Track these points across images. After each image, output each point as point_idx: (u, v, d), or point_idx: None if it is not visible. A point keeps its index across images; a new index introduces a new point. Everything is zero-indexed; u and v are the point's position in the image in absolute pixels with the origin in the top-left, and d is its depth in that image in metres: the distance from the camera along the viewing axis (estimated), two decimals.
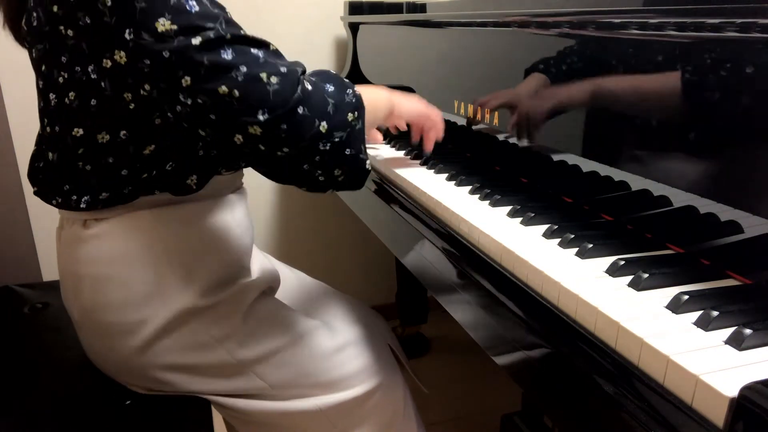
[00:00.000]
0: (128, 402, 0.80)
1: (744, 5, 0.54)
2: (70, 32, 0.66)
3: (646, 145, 0.68)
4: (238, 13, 0.79)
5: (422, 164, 1.02)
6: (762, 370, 0.43)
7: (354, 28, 1.57)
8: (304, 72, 0.70)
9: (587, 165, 0.76)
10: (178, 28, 0.61)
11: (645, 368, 0.47)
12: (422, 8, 1.47)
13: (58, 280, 1.08)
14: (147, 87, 0.67)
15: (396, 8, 1.60)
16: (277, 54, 0.68)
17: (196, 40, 0.61)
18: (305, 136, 0.67)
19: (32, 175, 0.78)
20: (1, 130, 1.45)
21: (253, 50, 0.65)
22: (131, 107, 0.69)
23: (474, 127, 1.02)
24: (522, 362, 0.61)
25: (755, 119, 0.54)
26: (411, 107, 0.92)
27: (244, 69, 0.63)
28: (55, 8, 0.65)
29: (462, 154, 1.08)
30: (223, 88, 0.62)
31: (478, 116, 0.99)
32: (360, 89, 0.77)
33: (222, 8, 0.66)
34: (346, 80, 0.74)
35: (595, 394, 0.50)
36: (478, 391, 1.65)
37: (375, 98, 0.84)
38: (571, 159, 0.79)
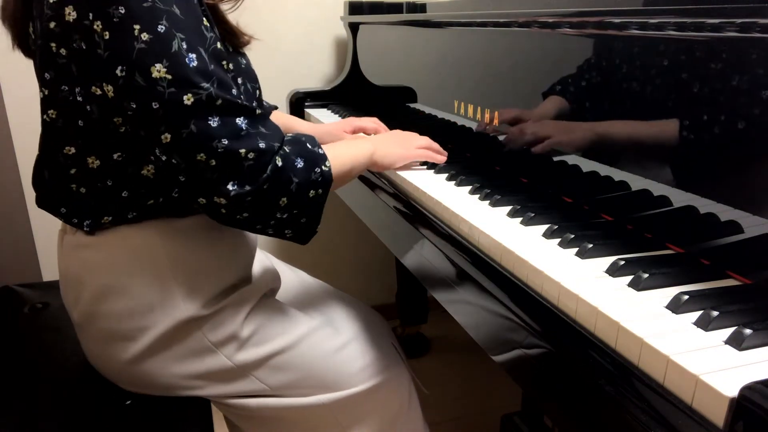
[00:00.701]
0: (128, 402, 0.80)
1: (744, 5, 0.54)
2: (62, 51, 0.65)
3: (646, 145, 0.68)
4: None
5: (422, 164, 1.01)
6: (762, 370, 0.43)
7: (354, 28, 1.57)
8: (281, 146, 0.69)
9: (587, 165, 0.76)
10: (172, 78, 0.60)
11: (645, 368, 0.47)
12: (422, 8, 1.47)
13: (58, 280, 1.08)
14: (128, 128, 0.67)
15: (396, 8, 1.60)
16: (259, 120, 0.68)
17: (187, 99, 0.61)
18: (266, 208, 0.68)
19: (35, 183, 0.78)
20: (1, 130, 1.45)
21: (238, 120, 0.65)
22: (121, 131, 0.68)
23: (474, 128, 1.02)
24: (522, 362, 0.61)
25: (755, 119, 0.54)
26: (394, 159, 0.93)
27: (225, 142, 0.63)
28: (52, 25, 0.64)
29: (462, 154, 1.08)
30: (201, 155, 0.63)
31: (479, 117, 0.99)
32: (337, 148, 0.78)
33: (219, 59, 0.65)
34: (320, 152, 0.74)
35: (595, 394, 0.50)
36: (478, 391, 1.65)
37: (353, 156, 0.83)
38: (571, 159, 0.79)
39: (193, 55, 0.62)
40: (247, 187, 0.65)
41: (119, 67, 0.61)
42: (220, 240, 0.80)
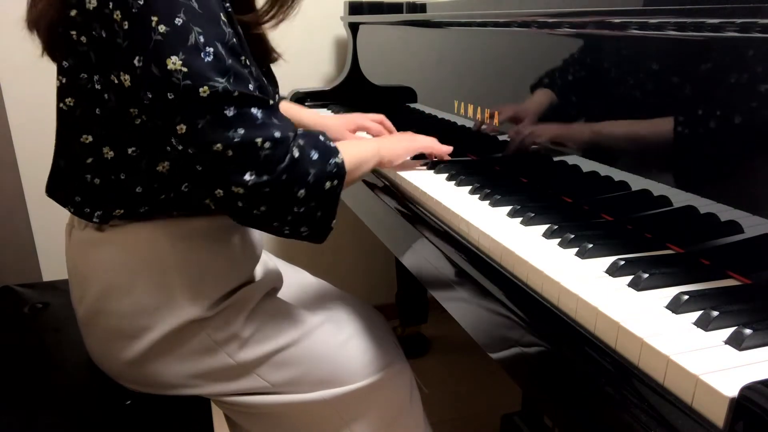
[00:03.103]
0: (128, 402, 0.80)
1: (744, 5, 0.54)
2: (83, 39, 0.66)
3: (646, 145, 0.68)
4: None
5: (422, 164, 1.02)
6: (762, 370, 0.43)
7: (354, 28, 1.57)
8: (295, 136, 0.70)
9: (587, 165, 0.76)
10: (188, 71, 0.61)
11: (645, 368, 0.47)
12: (422, 8, 1.47)
13: (58, 280, 1.08)
14: (144, 117, 0.67)
15: (396, 8, 1.60)
16: (273, 111, 0.68)
17: (203, 92, 0.61)
18: (284, 201, 0.68)
19: (50, 178, 0.78)
20: (1, 130, 1.45)
21: (253, 110, 0.65)
22: (137, 122, 0.68)
23: (474, 128, 1.02)
24: (522, 362, 0.61)
25: (755, 119, 0.54)
26: (399, 152, 0.93)
27: (241, 131, 0.63)
28: (73, 13, 0.65)
29: (462, 154, 1.08)
30: (218, 146, 0.63)
31: (479, 116, 0.99)
32: (346, 146, 0.77)
33: (236, 55, 0.65)
34: (333, 145, 0.74)
35: (595, 394, 0.50)
36: (478, 391, 1.65)
37: (361, 154, 0.83)
38: (571, 159, 0.79)
39: (210, 50, 0.62)
40: (265, 177, 0.65)
41: (137, 57, 0.61)
42: (227, 243, 0.80)
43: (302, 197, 0.69)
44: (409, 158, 1.08)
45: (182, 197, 0.74)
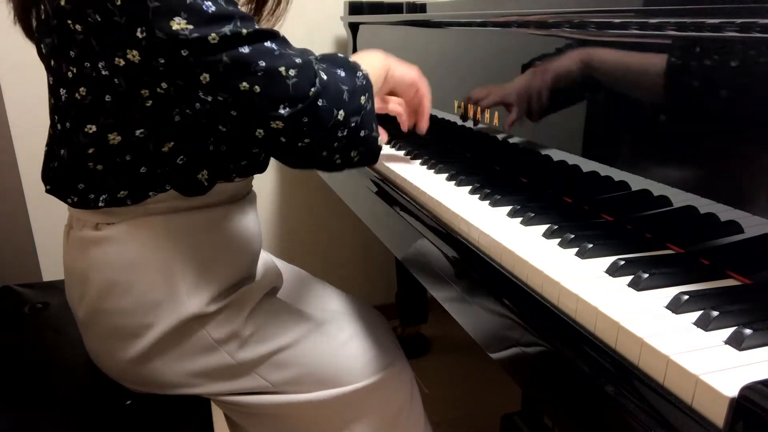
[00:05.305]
0: (128, 402, 0.80)
1: (744, 5, 0.54)
2: (78, 27, 0.65)
3: (645, 144, 0.68)
4: None
5: (422, 164, 1.02)
6: (762, 370, 0.43)
7: (354, 28, 1.57)
8: (315, 59, 0.70)
9: (587, 165, 0.76)
10: (194, 27, 0.60)
11: (645, 368, 0.47)
12: (422, 8, 1.47)
13: (58, 280, 1.08)
14: (164, 85, 0.66)
15: (396, 8, 1.60)
16: (286, 42, 0.68)
17: (213, 39, 0.61)
18: (325, 126, 0.68)
19: (45, 175, 0.77)
20: (1, 130, 1.45)
21: (267, 43, 0.65)
22: (148, 104, 0.68)
23: (474, 127, 1.02)
24: (522, 362, 0.61)
25: (755, 119, 0.54)
26: (404, 72, 0.94)
27: (262, 64, 0.63)
28: (62, 2, 0.64)
29: (462, 154, 1.08)
30: (244, 84, 0.63)
31: (478, 116, 0.99)
32: (359, 59, 0.78)
33: (235, 4, 0.65)
34: (352, 61, 0.75)
35: (595, 394, 0.50)
36: (478, 391, 1.65)
37: (374, 66, 0.85)
38: (571, 159, 0.79)
39: (209, 2, 0.61)
40: (300, 105, 0.65)
41: (138, 29, 0.61)
42: (226, 238, 0.80)
43: (342, 118, 0.69)
44: (403, 155, 1.08)
45: (175, 170, 0.73)
